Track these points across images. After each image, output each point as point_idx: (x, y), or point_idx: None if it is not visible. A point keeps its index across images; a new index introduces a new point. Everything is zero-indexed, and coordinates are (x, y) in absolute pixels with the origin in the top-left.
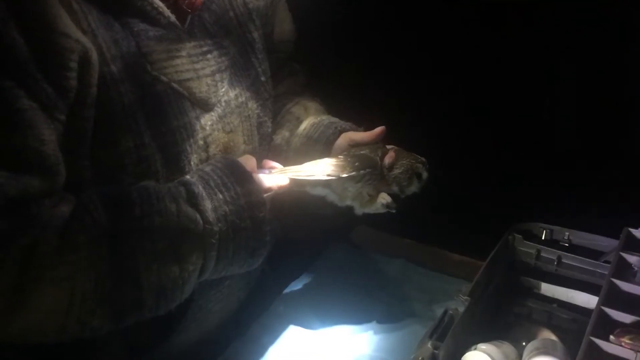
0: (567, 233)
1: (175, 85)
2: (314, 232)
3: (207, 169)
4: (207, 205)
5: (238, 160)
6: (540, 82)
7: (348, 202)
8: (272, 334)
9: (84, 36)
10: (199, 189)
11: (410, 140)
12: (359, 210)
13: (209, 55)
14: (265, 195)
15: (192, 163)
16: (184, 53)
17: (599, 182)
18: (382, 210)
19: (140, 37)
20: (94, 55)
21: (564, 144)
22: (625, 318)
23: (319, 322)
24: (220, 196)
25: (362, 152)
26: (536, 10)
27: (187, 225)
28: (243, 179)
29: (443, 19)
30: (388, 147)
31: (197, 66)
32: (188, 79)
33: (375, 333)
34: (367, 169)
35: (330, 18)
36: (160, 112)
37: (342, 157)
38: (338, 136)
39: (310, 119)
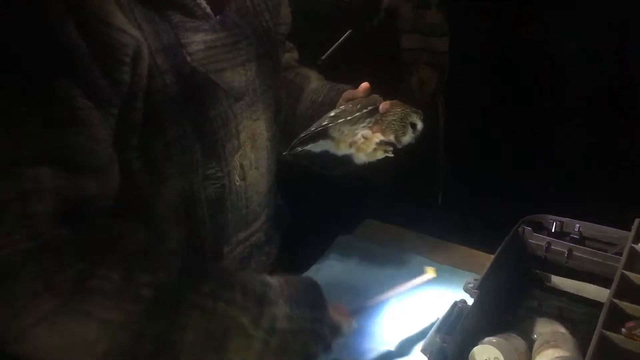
0: (577, 225)
1: (211, 75)
2: (320, 226)
3: (292, 280)
4: (274, 312)
5: (318, 286)
6: (551, 75)
7: (345, 149)
8: None
9: (136, 30)
10: (273, 296)
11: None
12: (357, 158)
13: (239, 45)
14: (330, 334)
15: (226, 151)
16: (218, 43)
17: (609, 173)
18: (380, 155)
19: (179, 29)
20: (145, 49)
21: (574, 136)
22: (637, 310)
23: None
24: (287, 310)
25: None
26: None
27: (244, 324)
28: (319, 304)
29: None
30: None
31: (230, 56)
32: (223, 69)
33: (383, 327)
34: (363, 110)
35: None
36: (199, 102)
37: (341, 107)
38: (340, 97)
39: (311, 85)
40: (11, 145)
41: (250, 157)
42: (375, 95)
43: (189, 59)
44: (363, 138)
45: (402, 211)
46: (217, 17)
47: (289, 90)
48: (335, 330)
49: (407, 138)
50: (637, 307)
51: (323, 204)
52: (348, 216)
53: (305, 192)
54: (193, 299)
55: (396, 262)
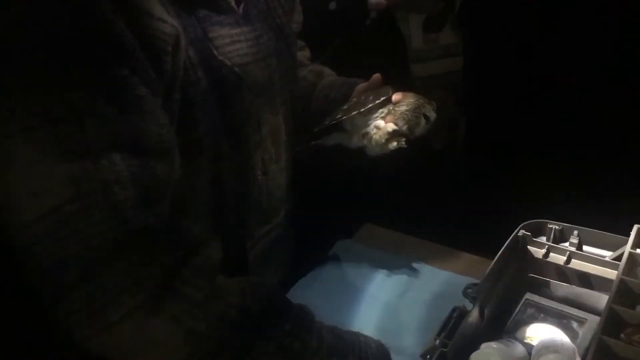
0: (576, 231)
1: (236, 69)
2: (320, 230)
3: (363, 339)
4: None
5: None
6: (549, 78)
7: (358, 141)
8: None
9: (175, 20)
10: (345, 349)
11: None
12: (370, 149)
13: (260, 40)
14: None
15: (249, 145)
16: (242, 37)
17: (608, 179)
18: (393, 146)
19: (206, 23)
20: (183, 39)
21: (574, 142)
22: (636, 317)
23: (325, 320)
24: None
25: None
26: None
27: None
28: None
29: None
30: None
31: (253, 50)
32: (247, 63)
33: (382, 331)
34: (375, 101)
35: None
36: (226, 96)
37: (353, 99)
38: (352, 91)
39: (324, 81)
40: (82, 136)
41: (270, 152)
42: (388, 86)
43: (215, 52)
44: (376, 128)
45: (402, 216)
46: (240, 11)
47: (301, 86)
48: None
49: (420, 129)
50: (636, 313)
51: (323, 207)
52: (348, 220)
53: (305, 196)
54: (273, 333)
55: (395, 267)
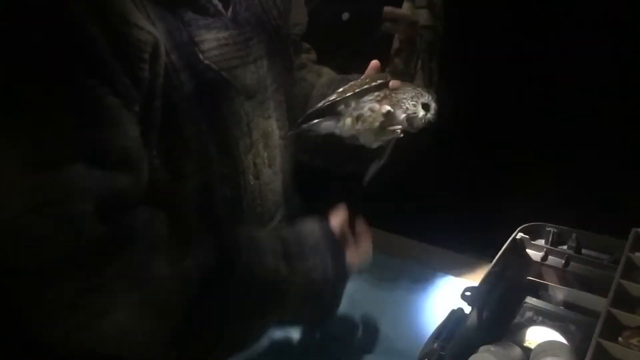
0: (574, 234)
1: (224, 73)
2: None
3: (307, 230)
4: (300, 267)
5: (333, 230)
6: (549, 82)
7: (351, 125)
8: (276, 335)
9: (153, 27)
10: (295, 250)
11: (413, 140)
12: (364, 137)
13: (250, 43)
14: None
15: (239, 150)
16: (230, 41)
17: (607, 182)
18: (388, 135)
19: (192, 27)
20: (162, 46)
21: (572, 144)
22: (634, 320)
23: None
24: (311, 264)
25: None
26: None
27: (279, 285)
28: (337, 252)
29: None
30: None
31: (242, 53)
32: (235, 67)
33: (380, 334)
34: (371, 83)
35: None
36: (213, 100)
37: (350, 83)
38: None
39: (322, 80)
40: (45, 147)
41: (263, 156)
42: (386, 73)
43: (201, 56)
44: (370, 111)
45: (399, 218)
46: (229, 14)
47: (300, 87)
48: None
49: (419, 121)
50: (634, 316)
51: (323, 211)
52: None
53: (304, 201)
54: (233, 274)
55: (394, 270)
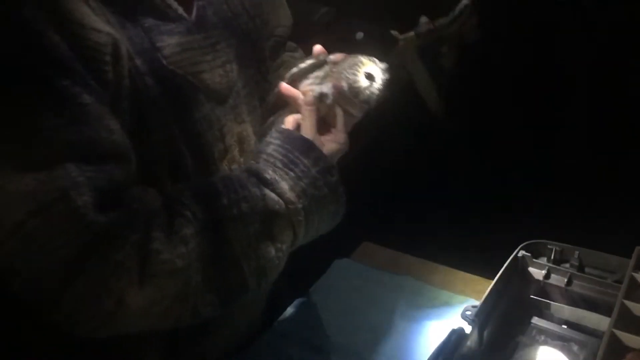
0: (577, 252)
1: (190, 77)
2: (318, 249)
3: (269, 149)
4: (284, 186)
5: (293, 130)
6: (551, 97)
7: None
8: (275, 353)
9: (112, 28)
10: (270, 174)
11: (414, 156)
12: None
13: (217, 47)
14: (330, 155)
15: (214, 155)
16: (195, 45)
17: (610, 200)
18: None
19: (153, 33)
20: (123, 47)
21: (576, 162)
22: (638, 341)
23: (323, 341)
24: (292, 174)
25: None
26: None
27: (273, 207)
28: (306, 148)
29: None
30: None
31: (208, 57)
32: (201, 71)
33: (380, 353)
34: (307, 62)
35: None
36: (181, 105)
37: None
38: None
39: (293, 70)
40: (31, 151)
41: (239, 162)
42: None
43: (165, 62)
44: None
45: (400, 234)
46: (193, 18)
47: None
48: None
49: (365, 91)
50: (637, 337)
51: None
52: (345, 239)
53: None
54: (221, 215)
55: (394, 286)
